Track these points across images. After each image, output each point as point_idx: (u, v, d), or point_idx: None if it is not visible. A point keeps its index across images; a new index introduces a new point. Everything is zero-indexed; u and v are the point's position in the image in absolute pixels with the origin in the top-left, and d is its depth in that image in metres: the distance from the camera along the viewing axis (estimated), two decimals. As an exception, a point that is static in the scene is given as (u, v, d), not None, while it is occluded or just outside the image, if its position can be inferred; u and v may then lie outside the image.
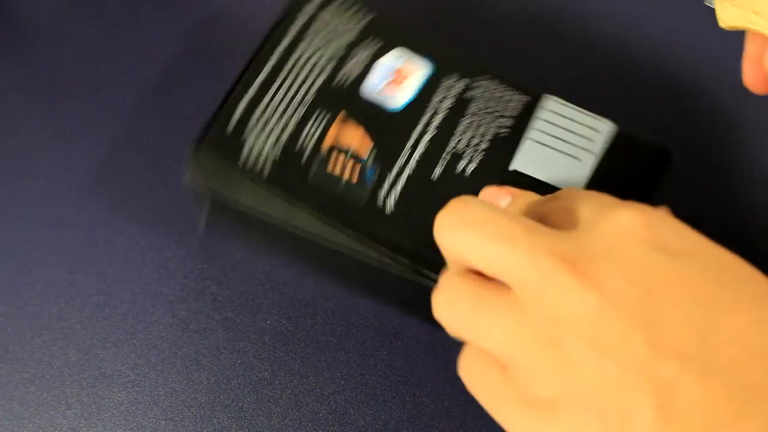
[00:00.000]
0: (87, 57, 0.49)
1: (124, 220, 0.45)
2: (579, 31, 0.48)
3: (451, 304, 0.29)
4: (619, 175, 0.37)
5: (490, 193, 0.33)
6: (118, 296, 0.43)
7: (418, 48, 0.39)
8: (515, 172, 0.37)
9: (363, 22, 0.39)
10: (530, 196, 0.32)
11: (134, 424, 0.41)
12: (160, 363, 0.42)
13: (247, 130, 0.37)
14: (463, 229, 0.29)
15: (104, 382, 0.41)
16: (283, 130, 0.37)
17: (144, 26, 0.50)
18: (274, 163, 0.37)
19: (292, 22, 0.39)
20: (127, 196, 0.45)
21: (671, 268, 0.26)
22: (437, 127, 0.38)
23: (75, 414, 0.41)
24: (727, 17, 0.33)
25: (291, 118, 0.37)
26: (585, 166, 0.37)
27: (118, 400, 0.41)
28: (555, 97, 0.38)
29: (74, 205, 0.45)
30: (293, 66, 0.38)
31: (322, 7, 0.40)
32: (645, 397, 0.25)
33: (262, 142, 0.37)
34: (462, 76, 0.39)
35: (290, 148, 0.37)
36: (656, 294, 0.26)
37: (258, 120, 0.37)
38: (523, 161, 0.37)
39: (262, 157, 0.36)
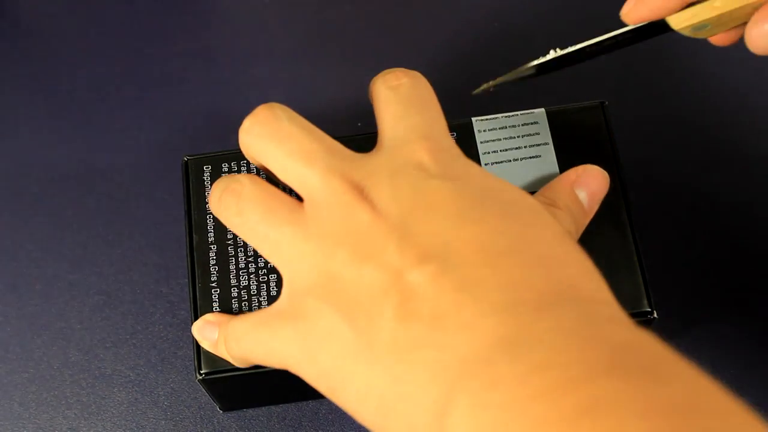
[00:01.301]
0: (87, 57, 0.49)
1: (124, 219, 0.45)
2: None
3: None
4: (580, 147, 0.37)
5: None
6: (118, 296, 0.43)
7: None
8: None
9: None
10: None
11: (134, 424, 0.41)
12: (160, 363, 0.42)
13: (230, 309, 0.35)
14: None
15: (104, 382, 0.41)
16: (260, 290, 0.35)
17: (144, 26, 0.50)
18: None
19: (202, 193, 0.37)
20: (127, 195, 0.45)
21: (439, 191, 0.29)
22: None
23: (75, 414, 0.41)
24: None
25: (259, 270, 0.36)
26: (548, 158, 0.37)
27: (118, 400, 0.41)
28: (481, 117, 0.38)
29: (74, 205, 0.45)
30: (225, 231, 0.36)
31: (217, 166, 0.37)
32: (389, 299, 0.27)
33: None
34: None
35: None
36: (418, 211, 0.28)
37: (236, 295, 0.35)
38: None
39: None
